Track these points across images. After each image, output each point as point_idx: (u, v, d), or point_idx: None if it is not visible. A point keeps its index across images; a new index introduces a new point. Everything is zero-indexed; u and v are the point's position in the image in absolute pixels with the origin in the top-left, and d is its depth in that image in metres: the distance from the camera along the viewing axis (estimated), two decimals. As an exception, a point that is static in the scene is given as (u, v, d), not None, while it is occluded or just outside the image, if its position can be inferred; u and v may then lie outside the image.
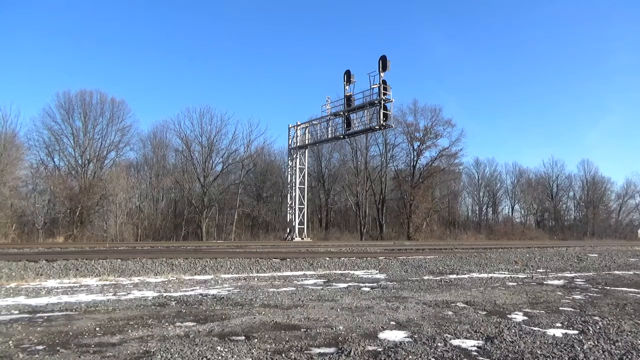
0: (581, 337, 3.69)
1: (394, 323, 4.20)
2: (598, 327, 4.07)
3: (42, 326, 3.93)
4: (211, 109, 44.78)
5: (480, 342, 3.49)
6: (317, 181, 49.91)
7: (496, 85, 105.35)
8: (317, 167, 50.20)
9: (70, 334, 3.65)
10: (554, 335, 3.75)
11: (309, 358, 3.05)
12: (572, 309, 5.05)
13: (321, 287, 6.82)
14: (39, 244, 20.19)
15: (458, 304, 5.34)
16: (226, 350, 3.18)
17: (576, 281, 7.97)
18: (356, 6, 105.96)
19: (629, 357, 3.15)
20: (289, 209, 32.86)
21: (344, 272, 9.32)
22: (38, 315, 4.47)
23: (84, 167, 39.98)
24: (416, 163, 47.28)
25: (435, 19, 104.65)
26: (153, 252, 12.72)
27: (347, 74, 29.12)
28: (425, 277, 8.33)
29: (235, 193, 43.40)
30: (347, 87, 29.18)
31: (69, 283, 7.15)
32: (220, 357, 3.03)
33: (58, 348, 3.22)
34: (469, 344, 3.46)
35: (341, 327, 3.97)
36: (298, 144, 32.73)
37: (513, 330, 3.88)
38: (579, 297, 6.06)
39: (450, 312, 4.77)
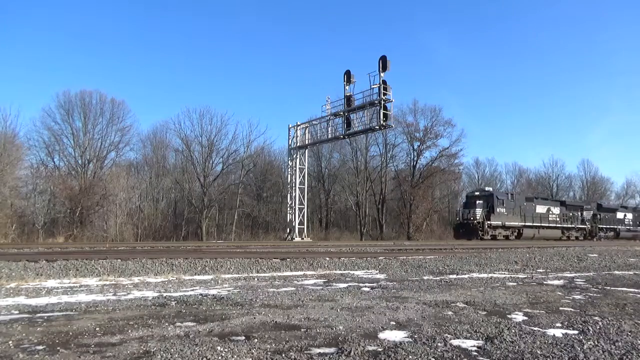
0: (581, 337, 3.69)
1: (394, 323, 4.19)
2: (598, 327, 4.06)
3: (42, 326, 3.93)
4: (211, 109, 45.00)
5: (480, 342, 3.49)
6: (317, 181, 49.95)
7: (497, 86, 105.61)
8: (317, 167, 50.26)
9: (70, 334, 3.65)
10: (554, 335, 3.74)
11: (309, 358, 3.05)
12: (572, 309, 5.04)
13: (321, 287, 6.81)
14: (39, 244, 20.19)
15: (458, 304, 5.33)
16: (226, 350, 3.18)
17: (576, 281, 7.97)
18: (356, 6, 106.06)
19: (629, 357, 3.15)
20: (289, 209, 32.86)
21: (344, 272, 9.31)
22: (38, 315, 4.46)
23: (84, 167, 40.07)
24: (416, 163, 47.38)
25: (436, 18, 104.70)
26: (153, 252, 12.71)
27: (347, 74, 29.14)
28: (425, 277, 8.32)
29: (235, 193, 43.46)
30: (347, 87, 29.21)
31: (69, 283, 7.15)
32: (220, 357, 3.03)
33: (58, 348, 3.22)
34: (469, 344, 3.45)
35: (341, 327, 3.96)
36: (298, 144, 32.74)
37: (513, 330, 3.87)
38: (579, 297, 6.05)
39: (450, 312, 4.77)
